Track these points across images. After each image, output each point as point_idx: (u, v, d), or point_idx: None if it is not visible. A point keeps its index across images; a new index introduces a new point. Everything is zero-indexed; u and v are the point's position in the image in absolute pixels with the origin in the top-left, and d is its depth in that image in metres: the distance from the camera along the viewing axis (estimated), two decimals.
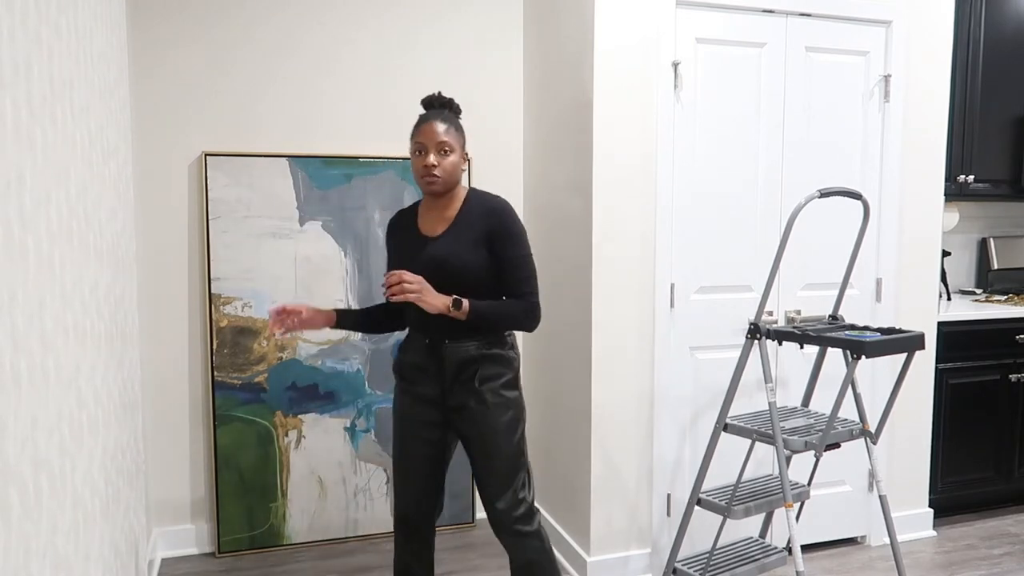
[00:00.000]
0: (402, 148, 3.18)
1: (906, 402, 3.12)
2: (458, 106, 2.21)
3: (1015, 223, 4.21)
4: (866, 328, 2.43)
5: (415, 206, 2.23)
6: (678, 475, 2.87)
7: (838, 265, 2.98)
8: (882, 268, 3.04)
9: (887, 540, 3.04)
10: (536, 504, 2.23)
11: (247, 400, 3.00)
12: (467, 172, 3.20)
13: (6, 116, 1.11)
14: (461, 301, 2.04)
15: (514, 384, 2.13)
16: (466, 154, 2.17)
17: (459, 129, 2.14)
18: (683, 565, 2.57)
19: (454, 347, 2.09)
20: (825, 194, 2.30)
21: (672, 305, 2.78)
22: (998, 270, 4.02)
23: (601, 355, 2.71)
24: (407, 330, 2.22)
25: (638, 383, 2.76)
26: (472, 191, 2.17)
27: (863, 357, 2.18)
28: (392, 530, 3.19)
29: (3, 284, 1.07)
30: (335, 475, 3.12)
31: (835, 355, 2.87)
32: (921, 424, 3.19)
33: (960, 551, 3.10)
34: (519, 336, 3.35)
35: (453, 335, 2.09)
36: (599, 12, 2.62)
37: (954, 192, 3.55)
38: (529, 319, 2.10)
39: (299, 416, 3.07)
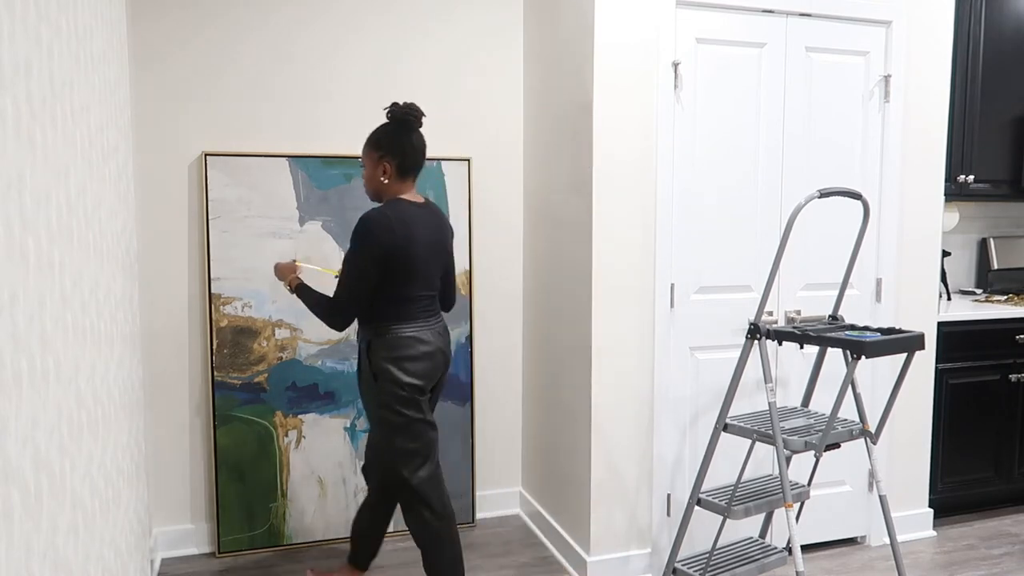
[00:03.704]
0: None
1: (906, 402, 3.12)
2: (386, 117, 2.38)
3: (1015, 223, 4.21)
4: (866, 328, 2.43)
5: None
6: (678, 475, 2.87)
7: (838, 265, 2.98)
8: (882, 268, 3.04)
9: (887, 540, 3.04)
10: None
11: (247, 400, 3.00)
12: (467, 172, 3.21)
13: (6, 116, 1.11)
14: (303, 286, 2.45)
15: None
16: (384, 167, 2.34)
17: (369, 143, 2.36)
18: (683, 565, 2.57)
19: None
20: (825, 194, 2.30)
21: (672, 305, 2.78)
22: (998, 270, 4.03)
23: (601, 355, 2.71)
24: None
25: (638, 383, 2.76)
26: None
27: (863, 357, 2.19)
28: (395, 530, 3.19)
29: (3, 284, 1.07)
30: (335, 475, 3.12)
31: (835, 355, 2.87)
32: (921, 424, 3.19)
33: (960, 551, 3.10)
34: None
35: None
36: (599, 12, 2.62)
37: (954, 192, 3.55)
38: (325, 314, 2.33)
39: (299, 416, 3.07)
